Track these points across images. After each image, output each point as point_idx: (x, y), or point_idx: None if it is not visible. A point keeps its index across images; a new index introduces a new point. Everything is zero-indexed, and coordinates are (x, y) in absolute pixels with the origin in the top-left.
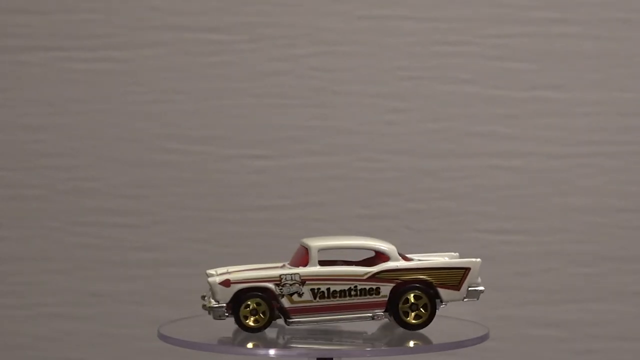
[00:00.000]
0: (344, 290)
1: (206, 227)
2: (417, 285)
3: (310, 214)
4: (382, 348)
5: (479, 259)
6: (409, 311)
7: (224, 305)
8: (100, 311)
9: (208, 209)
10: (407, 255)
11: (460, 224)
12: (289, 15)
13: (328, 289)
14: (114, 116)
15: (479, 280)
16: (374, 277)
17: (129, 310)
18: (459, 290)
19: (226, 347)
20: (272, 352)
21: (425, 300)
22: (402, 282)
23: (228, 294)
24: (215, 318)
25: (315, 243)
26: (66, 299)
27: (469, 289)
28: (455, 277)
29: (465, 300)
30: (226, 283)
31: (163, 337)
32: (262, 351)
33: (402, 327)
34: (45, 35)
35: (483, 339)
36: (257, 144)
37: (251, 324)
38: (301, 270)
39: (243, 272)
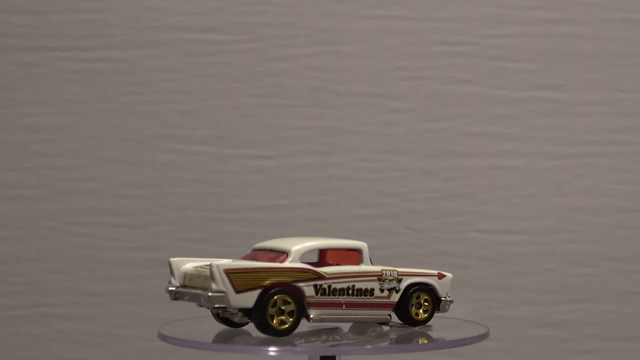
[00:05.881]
0: None
1: (206, 227)
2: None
3: (310, 214)
4: (382, 346)
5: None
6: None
7: None
8: (100, 311)
9: (208, 209)
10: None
11: (460, 224)
12: (289, 15)
13: None
14: (114, 116)
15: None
16: None
17: (129, 310)
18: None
19: (226, 346)
20: (271, 351)
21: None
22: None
23: None
24: None
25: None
26: (66, 299)
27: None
28: None
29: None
30: None
31: (163, 337)
32: (262, 350)
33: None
34: (45, 35)
35: (483, 338)
36: (257, 144)
37: None
38: None
39: None
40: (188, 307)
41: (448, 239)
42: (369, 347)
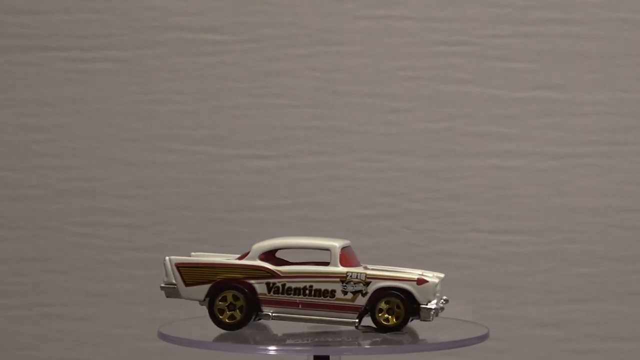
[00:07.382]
0: None
1: (206, 227)
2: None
3: (310, 214)
4: (381, 347)
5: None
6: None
7: None
8: (100, 311)
9: (208, 209)
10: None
11: (460, 224)
12: (289, 15)
13: None
14: (114, 116)
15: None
16: None
17: (129, 310)
18: None
19: (226, 345)
20: (272, 350)
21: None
22: None
23: None
24: None
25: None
26: (66, 299)
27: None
28: None
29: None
30: None
31: (163, 337)
32: (262, 349)
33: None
34: (45, 35)
35: (483, 338)
36: (257, 144)
37: None
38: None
39: None
40: (188, 307)
41: (448, 239)
42: (367, 347)
